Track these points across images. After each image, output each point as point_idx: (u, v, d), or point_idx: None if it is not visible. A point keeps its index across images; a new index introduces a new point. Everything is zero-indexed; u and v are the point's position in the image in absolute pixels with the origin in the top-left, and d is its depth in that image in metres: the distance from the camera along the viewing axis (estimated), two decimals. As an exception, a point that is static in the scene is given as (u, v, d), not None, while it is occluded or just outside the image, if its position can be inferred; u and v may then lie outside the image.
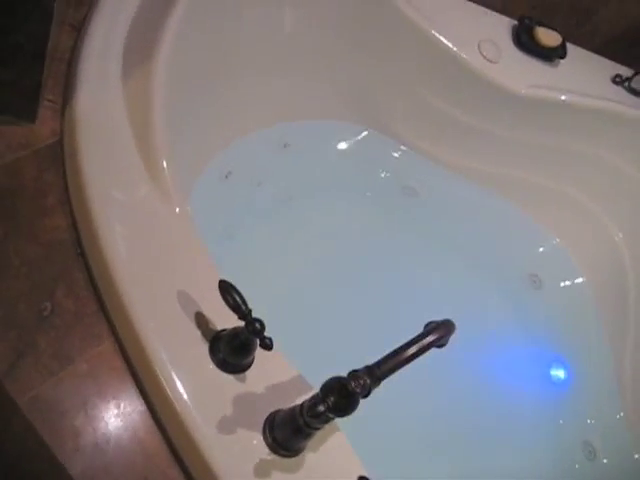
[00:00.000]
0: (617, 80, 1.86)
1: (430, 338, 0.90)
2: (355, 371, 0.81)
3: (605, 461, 1.72)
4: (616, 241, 1.87)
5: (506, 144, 1.80)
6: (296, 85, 1.63)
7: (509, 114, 1.71)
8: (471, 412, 1.70)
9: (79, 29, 1.20)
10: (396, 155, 1.84)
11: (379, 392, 1.58)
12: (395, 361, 0.86)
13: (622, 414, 1.75)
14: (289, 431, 0.88)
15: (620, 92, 1.84)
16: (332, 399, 0.79)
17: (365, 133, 1.83)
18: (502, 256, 1.92)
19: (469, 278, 1.88)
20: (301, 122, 1.69)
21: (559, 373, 1.86)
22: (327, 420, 0.82)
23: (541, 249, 1.97)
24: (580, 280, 1.94)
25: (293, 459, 0.90)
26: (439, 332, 0.91)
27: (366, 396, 0.81)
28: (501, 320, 1.87)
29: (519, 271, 1.94)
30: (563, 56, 1.74)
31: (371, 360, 0.86)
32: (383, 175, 1.87)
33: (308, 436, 0.87)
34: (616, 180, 1.84)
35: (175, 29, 1.14)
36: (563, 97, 1.69)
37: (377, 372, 0.83)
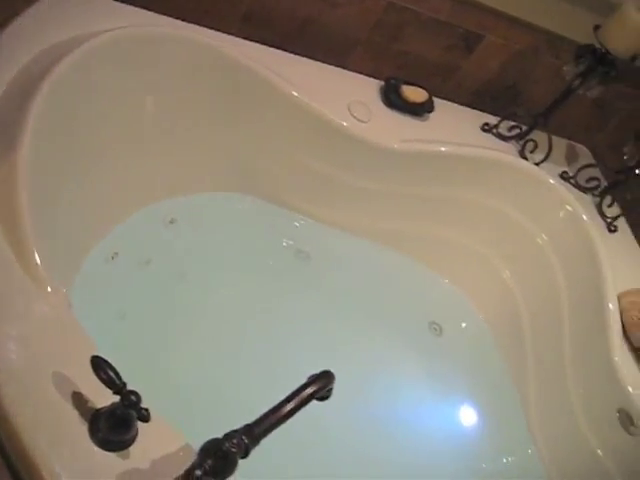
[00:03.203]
0: (486, 128, 1.97)
1: (308, 390, 0.92)
2: (232, 431, 0.82)
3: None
4: (505, 279, 1.95)
5: (389, 198, 1.87)
6: (173, 161, 1.66)
7: (387, 170, 1.79)
8: (386, 463, 1.69)
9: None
10: (285, 221, 1.89)
11: (294, 451, 1.57)
12: (274, 418, 0.87)
13: (533, 448, 1.80)
14: (177, 503, 0.86)
15: (490, 139, 1.96)
16: (210, 462, 0.79)
17: (254, 202, 1.86)
18: (400, 307, 1.96)
19: (371, 333, 1.89)
20: (186, 197, 1.72)
21: (468, 417, 1.89)
22: (210, 485, 0.82)
23: (437, 296, 2.03)
24: (478, 322, 2.00)
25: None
26: (317, 384, 0.93)
27: (245, 456, 0.82)
28: (407, 371, 1.89)
29: (419, 320, 1.98)
30: (431, 110, 1.84)
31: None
32: (272, 241, 1.90)
33: (197, 505, 0.86)
34: (497, 221, 1.93)
35: (38, 117, 1.16)
36: (435, 148, 1.79)
37: (256, 430, 0.83)
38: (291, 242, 1.91)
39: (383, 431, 1.75)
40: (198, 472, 0.78)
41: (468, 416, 1.88)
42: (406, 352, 1.91)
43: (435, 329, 1.99)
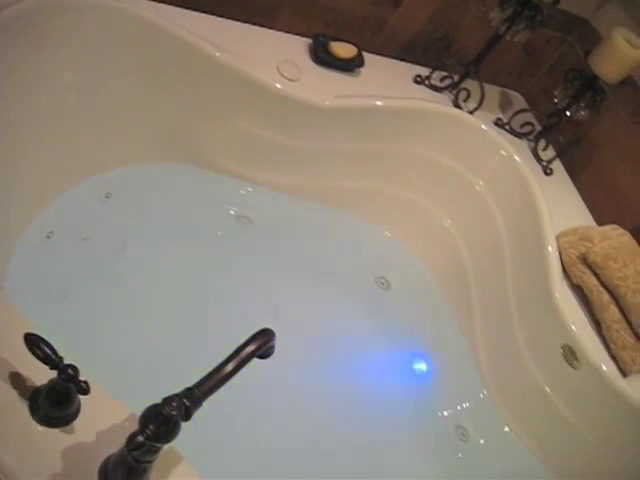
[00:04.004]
0: (418, 80, 1.98)
1: (248, 349, 0.91)
2: (172, 395, 0.82)
3: (478, 439, 1.80)
4: (446, 228, 1.97)
5: (327, 156, 1.87)
6: (103, 134, 1.62)
7: (321, 128, 1.78)
8: (346, 419, 1.72)
9: None
10: (224, 187, 1.87)
11: (251, 409, 1.57)
12: (215, 379, 0.86)
13: (485, 392, 1.84)
14: (124, 472, 0.85)
15: (423, 90, 1.97)
16: (151, 427, 0.79)
17: (191, 171, 1.83)
18: (346, 264, 1.98)
19: (318, 292, 1.91)
20: (120, 169, 1.68)
21: (422, 367, 1.92)
22: (154, 450, 0.82)
23: (382, 251, 2.04)
24: (423, 272, 2.03)
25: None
26: (256, 342, 0.92)
27: (187, 419, 0.82)
28: (358, 327, 1.91)
29: (365, 276, 2.00)
30: (361, 65, 1.83)
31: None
32: (211, 209, 1.88)
33: (144, 472, 0.86)
34: (435, 171, 1.95)
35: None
36: (368, 102, 1.78)
37: (197, 393, 0.83)
38: (231, 208, 1.89)
39: (337, 387, 1.77)
40: (140, 438, 0.78)
41: (421, 366, 1.92)
42: (355, 308, 1.93)
43: (382, 283, 2.00)
